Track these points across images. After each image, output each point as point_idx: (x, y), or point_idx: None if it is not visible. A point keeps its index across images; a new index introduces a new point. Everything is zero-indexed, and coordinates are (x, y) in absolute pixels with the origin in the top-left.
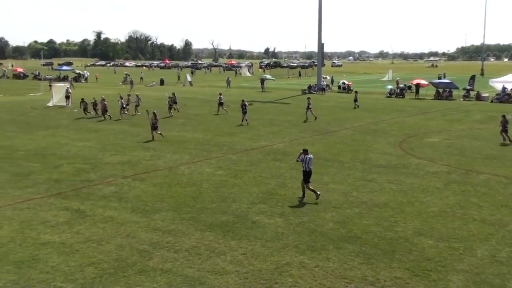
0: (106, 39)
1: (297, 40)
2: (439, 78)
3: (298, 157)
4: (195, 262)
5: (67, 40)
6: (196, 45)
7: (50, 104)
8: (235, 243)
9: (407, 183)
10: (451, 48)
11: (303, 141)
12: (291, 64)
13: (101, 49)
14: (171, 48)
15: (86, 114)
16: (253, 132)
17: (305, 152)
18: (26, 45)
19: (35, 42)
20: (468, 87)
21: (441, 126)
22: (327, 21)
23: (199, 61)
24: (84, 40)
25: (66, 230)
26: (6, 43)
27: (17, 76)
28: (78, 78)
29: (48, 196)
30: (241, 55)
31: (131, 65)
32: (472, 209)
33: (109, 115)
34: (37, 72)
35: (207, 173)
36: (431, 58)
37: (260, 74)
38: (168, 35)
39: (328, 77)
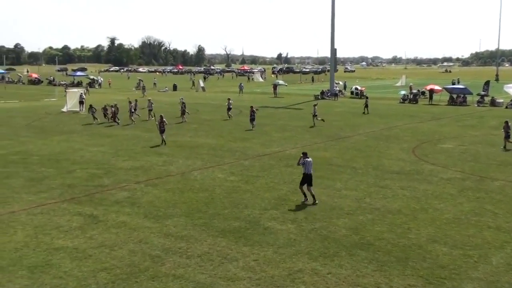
0: (120, 45)
1: (309, 45)
2: (453, 84)
3: (299, 161)
4: (207, 268)
5: (82, 46)
6: (209, 51)
7: (64, 109)
8: (247, 249)
9: (420, 190)
10: (465, 54)
11: (315, 147)
12: (304, 70)
13: (114, 55)
14: (184, 53)
15: (94, 120)
16: (266, 137)
17: (305, 155)
18: (41, 51)
19: (50, 48)
20: (483, 93)
21: (455, 132)
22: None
23: (212, 67)
24: (98, 46)
25: (79, 235)
26: (22, 49)
27: (32, 81)
28: (92, 83)
29: (62, 201)
30: (254, 60)
31: (144, 70)
32: (487, 216)
33: (118, 122)
34: (51, 77)
35: (220, 179)
36: (445, 64)
37: (273, 79)
38: (181, 41)
39: (341, 83)
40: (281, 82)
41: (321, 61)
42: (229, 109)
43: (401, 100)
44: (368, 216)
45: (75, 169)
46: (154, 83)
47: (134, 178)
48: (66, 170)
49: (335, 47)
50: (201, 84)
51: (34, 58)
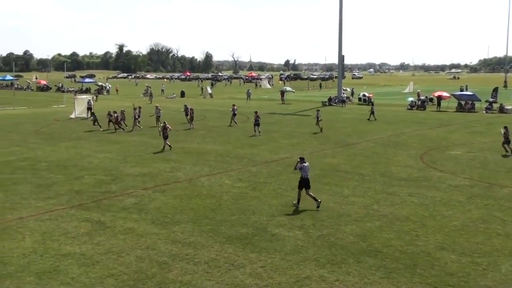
0: (128, 52)
1: (317, 52)
2: (461, 90)
3: (296, 166)
4: (214, 274)
5: (90, 53)
6: (216, 57)
7: (72, 116)
8: (255, 256)
9: (428, 197)
10: (473, 60)
11: (323, 154)
12: (311, 76)
13: (123, 62)
14: (192, 60)
15: (94, 126)
16: (273, 144)
17: (302, 160)
18: (50, 57)
19: (59, 54)
20: (491, 100)
21: (463, 138)
22: (348, 33)
23: (220, 73)
24: (107, 53)
25: (87, 241)
26: (31, 56)
27: (41, 88)
28: (100, 90)
29: (70, 207)
30: (261, 67)
31: (152, 77)
32: (496, 224)
33: (123, 128)
34: (60, 84)
35: (227, 185)
36: (453, 70)
37: (280, 86)
38: (189, 48)
39: (348, 89)
40: (288, 88)
41: (328, 67)
42: (234, 115)
43: (409, 107)
44: (376, 223)
45: (83, 175)
46: (162, 90)
47: (141, 185)
48: (74, 176)
49: (343, 53)
50: (209, 90)
51: (43, 65)
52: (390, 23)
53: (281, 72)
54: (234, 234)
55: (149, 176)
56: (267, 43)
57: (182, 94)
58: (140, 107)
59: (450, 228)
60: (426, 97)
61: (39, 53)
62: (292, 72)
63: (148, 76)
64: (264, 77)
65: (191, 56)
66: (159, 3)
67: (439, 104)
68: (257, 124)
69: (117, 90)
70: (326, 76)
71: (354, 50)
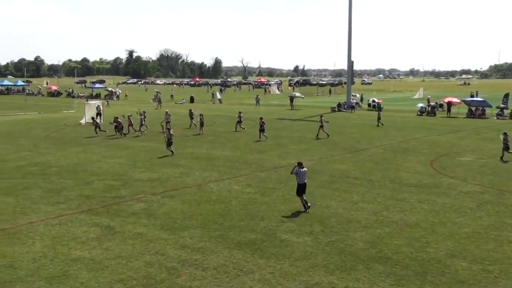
0: (138, 57)
1: (326, 58)
2: (472, 96)
3: (292, 170)
4: (223, 280)
5: (100, 59)
6: (226, 63)
7: (82, 121)
8: (263, 262)
9: (439, 203)
10: (484, 66)
11: (332, 159)
12: (321, 82)
13: (132, 67)
14: (201, 66)
15: (96, 133)
16: (282, 149)
17: (300, 165)
18: (60, 63)
19: (69, 60)
20: (502, 106)
21: (474, 145)
22: (357, 38)
23: (229, 79)
24: (117, 59)
25: (96, 246)
26: (42, 61)
27: (51, 94)
28: (111, 95)
29: (79, 212)
30: (271, 73)
31: (161, 83)
32: (507, 231)
33: (125, 134)
34: (70, 89)
35: (236, 191)
36: (463, 76)
37: (290, 91)
38: (199, 53)
39: (357, 95)
40: (297, 94)
41: (338, 73)
42: (239, 122)
43: (419, 113)
44: (385, 230)
45: (92, 180)
46: (171, 95)
47: (151, 190)
48: (84, 181)
49: (352, 59)
50: (218, 96)
51: (53, 71)
52: (399, 28)
53: (290, 77)
54: (243, 240)
55: (158, 181)
56: (276, 48)
57: (192, 100)
58: (144, 112)
59: (461, 235)
60: (436, 103)
61: (50, 59)
62: (301, 78)
63: (158, 81)
64: (273, 82)
65: (200, 62)
66: (169, 9)
67: (449, 110)
68: (262, 129)
69: (126, 96)
70: (335, 82)
71: (364, 55)
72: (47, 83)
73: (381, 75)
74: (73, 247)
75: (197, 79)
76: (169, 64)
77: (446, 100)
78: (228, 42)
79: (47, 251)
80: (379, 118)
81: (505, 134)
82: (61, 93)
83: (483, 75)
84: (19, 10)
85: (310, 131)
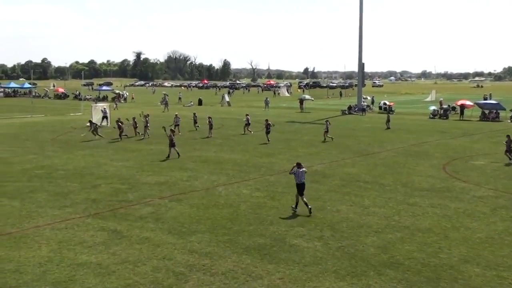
0: (146, 60)
1: (336, 60)
2: (485, 99)
3: (291, 170)
4: (231, 286)
5: (108, 61)
6: (234, 65)
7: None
8: (273, 267)
9: (451, 208)
10: (498, 68)
11: (343, 163)
12: (331, 84)
13: (140, 69)
14: (209, 68)
15: (95, 135)
16: (292, 153)
17: (298, 165)
18: (68, 65)
19: (77, 62)
20: None
21: (488, 148)
22: (368, 40)
23: (237, 81)
24: (124, 61)
25: (103, 250)
26: (49, 64)
27: (58, 96)
28: (118, 98)
29: (86, 216)
30: (280, 75)
31: (169, 85)
32: None
33: (121, 137)
34: (77, 92)
35: (245, 195)
36: (476, 78)
37: (299, 94)
38: (207, 55)
39: (368, 98)
40: (307, 96)
41: (348, 75)
42: (247, 124)
43: (431, 116)
44: (397, 235)
45: (99, 183)
46: (179, 98)
47: (158, 194)
48: (91, 185)
49: (363, 61)
50: (226, 98)
51: (60, 73)
52: (411, 29)
53: (300, 80)
54: (251, 245)
55: (166, 185)
56: (286, 50)
57: (200, 102)
58: (148, 115)
59: (474, 241)
60: (449, 105)
61: (57, 61)
62: (311, 80)
63: (166, 84)
64: (282, 85)
65: (209, 64)
66: (177, 11)
67: (462, 113)
68: (268, 132)
69: (132, 98)
70: (346, 84)
71: (375, 57)
72: (54, 86)
73: (392, 78)
74: (80, 251)
75: (206, 82)
76: (177, 66)
77: (459, 102)
78: (237, 44)
79: (54, 256)
80: (388, 121)
81: (508, 136)
82: (68, 96)
83: (496, 77)
84: (26, 12)
85: (321, 134)
